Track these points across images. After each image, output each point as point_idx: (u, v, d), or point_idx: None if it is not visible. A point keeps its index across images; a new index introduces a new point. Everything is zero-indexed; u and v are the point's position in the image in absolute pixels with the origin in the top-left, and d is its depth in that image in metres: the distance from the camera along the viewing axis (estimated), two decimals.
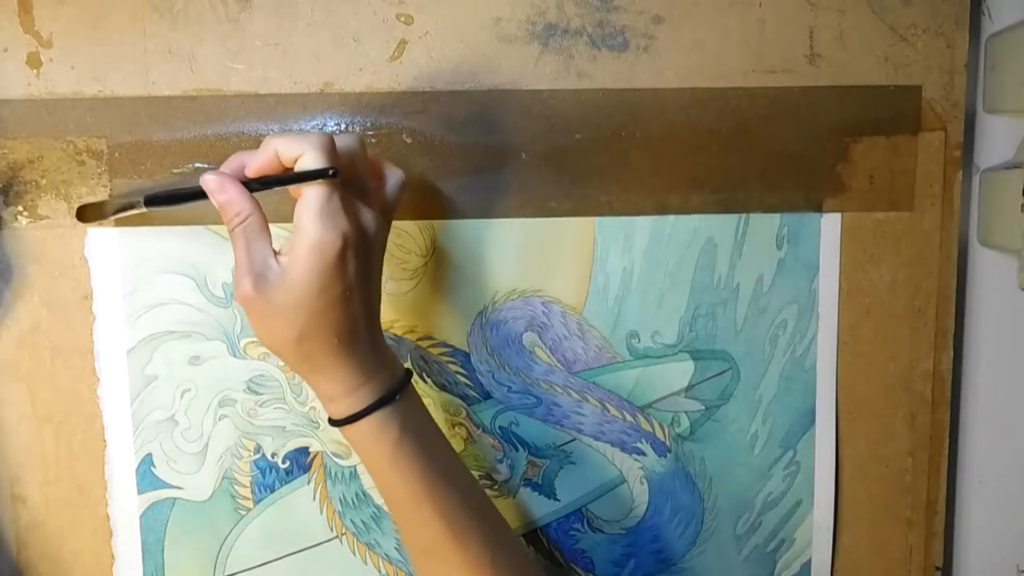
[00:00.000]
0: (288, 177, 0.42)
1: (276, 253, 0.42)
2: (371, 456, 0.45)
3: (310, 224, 0.41)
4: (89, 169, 0.52)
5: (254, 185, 0.43)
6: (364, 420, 0.44)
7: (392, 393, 0.44)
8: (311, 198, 0.41)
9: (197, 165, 0.51)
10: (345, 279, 0.42)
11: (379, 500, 0.55)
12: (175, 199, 0.44)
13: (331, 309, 0.42)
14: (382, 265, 0.46)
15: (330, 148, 0.42)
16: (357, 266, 0.42)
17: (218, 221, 0.51)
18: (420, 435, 0.45)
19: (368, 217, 0.43)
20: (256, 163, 0.43)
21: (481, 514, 0.46)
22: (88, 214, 0.51)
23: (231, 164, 0.44)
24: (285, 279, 0.41)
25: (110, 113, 0.51)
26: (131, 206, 0.45)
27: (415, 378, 0.54)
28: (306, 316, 0.42)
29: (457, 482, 0.46)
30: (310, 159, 0.41)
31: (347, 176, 0.43)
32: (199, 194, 0.43)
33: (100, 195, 0.52)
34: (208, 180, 0.42)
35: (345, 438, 0.45)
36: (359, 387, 0.44)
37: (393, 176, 0.47)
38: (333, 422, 0.45)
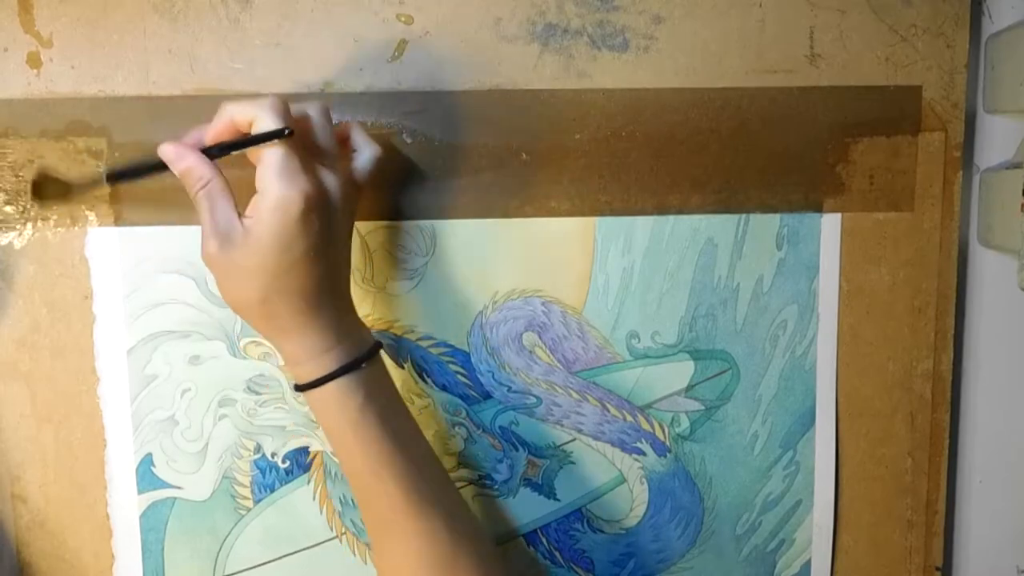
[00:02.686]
0: (244, 141, 0.43)
1: (240, 215, 0.43)
2: (333, 423, 0.45)
3: (270, 183, 0.42)
4: (89, 169, 0.52)
5: (213, 151, 0.44)
6: (327, 385, 0.44)
7: (357, 361, 0.45)
8: (269, 157, 0.42)
9: None
10: (308, 238, 0.42)
11: None
12: (136, 172, 0.45)
13: (294, 269, 0.43)
14: (351, 234, 0.47)
15: (283, 110, 0.42)
16: (320, 227, 0.43)
17: None
18: (384, 405, 0.45)
19: (331, 180, 0.44)
20: (212, 131, 0.44)
21: (440, 488, 0.47)
22: (48, 191, 0.51)
23: (190, 137, 0.45)
24: (248, 239, 0.42)
25: (110, 113, 0.51)
26: (94, 183, 0.47)
27: (410, 375, 0.54)
28: (270, 276, 0.42)
29: (417, 454, 0.46)
30: (264, 122, 0.42)
31: (306, 140, 0.44)
32: (159, 165, 0.44)
33: (100, 195, 0.52)
34: (166, 150, 0.43)
35: (308, 404, 0.46)
36: (324, 352, 0.44)
37: (367, 149, 0.48)
38: (297, 387, 0.45)
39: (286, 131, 0.41)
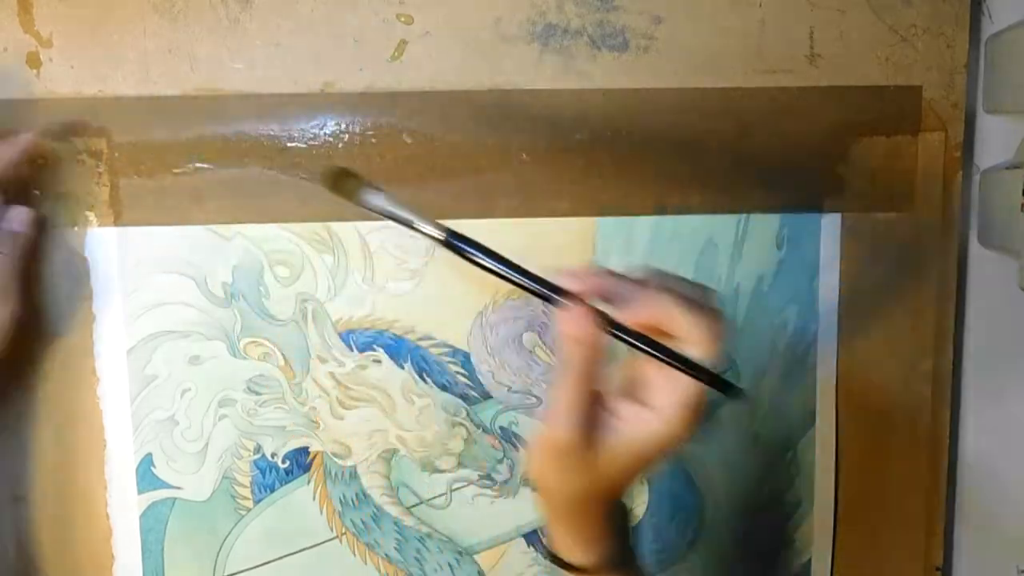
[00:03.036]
0: (673, 358, 0.36)
1: (606, 404, 0.38)
2: None
3: (675, 417, 0.37)
4: (89, 169, 0.52)
5: (617, 331, 0.37)
6: (599, 572, 0.41)
7: (624, 550, 0.42)
8: (689, 393, 0.37)
9: (197, 165, 0.51)
10: (659, 462, 0.38)
11: (379, 500, 0.55)
12: (487, 261, 0.38)
13: (628, 479, 0.39)
14: None
15: (723, 343, 0.36)
16: None
17: (218, 221, 0.52)
18: None
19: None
20: (635, 318, 0.37)
21: None
22: (343, 187, 0.41)
23: (592, 284, 0.37)
24: (612, 445, 0.37)
25: (110, 113, 0.51)
26: (411, 225, 0.38)
27: (410, 375, 0.54)
28: (603, 480, 0.38)
29: None
30: (701, 351, 0.36)
31: None
32: (530, 280, 0.37)
33: (100, 195, 0.52)
34: (571, 310, 0.37)
35: None
36: (598, 540, 0.41)
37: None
38: (564, 565, 0.42)
39: (741, 394, 0.38)
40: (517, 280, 0.37)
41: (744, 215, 0.54)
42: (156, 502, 0.54)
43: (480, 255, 0.38)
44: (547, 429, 0.38)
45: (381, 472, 0.55)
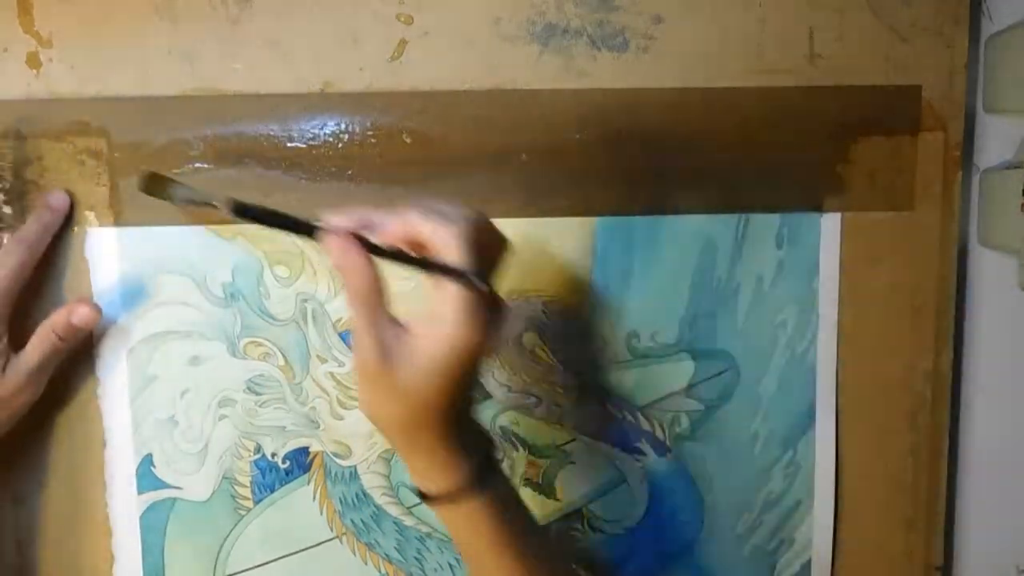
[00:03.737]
0: (427, 265, 0.39)
1: (398, 324, 0.41)
2: (465, 533, 0.44)
3: (454, 323, 0.39)
4: (89, 169, 0.52)
5: (380, 252, 0.40)
6: (460, 498, 0.42)
7: (485, 472, 0.43)
8: (460, 297, 0.39)
9: (197, 165, 0.51)
10: (469, 373, 0.41)
11: (379, 500, 0.55)
12: (267, 219, 0.40)
13: (445, 395, 0.41)
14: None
15: (473, 244, 0.39)
16: (479, 361, 0.41)
17: (218, 221, 0.52)
18: (511, 511, 0.44)
19: (506, 314, 0.42)
20: (387, 233, 0.40)
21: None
22: (152, 185, 0.45)
23: (355, 218, 0.41)
24: (413, 360, 0.40)
25: (110, 113, 0.51)
26: (210, 204, 0.41)
27: None
28: (419, 398, 0.40)
29: (543, 554, 0.46)
30: (451, 253, 0.39)
31: (489, 268, 0.41)
32: (298, 227, 0.40)
33: (100, 195, 0.52)
34: (332, 242, 0.40)
35: (437, 515, 0.44)
36: (452, 467, 0.42)
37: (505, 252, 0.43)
38: (424, 496, 0.44)
39: (486, 289, 0.39)
40: (293, 228, 0.40)
41: (744, 215, 0.54)
42: (156, 502, 0.54)
43: (264, 216, 0.41)
44: (354, 355, 0.41)
45: (381, 472, 0.55)
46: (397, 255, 0.40)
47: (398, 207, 0.40)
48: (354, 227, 0.41)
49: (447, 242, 0.39)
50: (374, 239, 0.40)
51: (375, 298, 0.40)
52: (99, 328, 0.52)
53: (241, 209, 0.40)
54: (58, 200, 0.51)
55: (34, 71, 0.51)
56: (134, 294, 0.53)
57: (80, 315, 0.49)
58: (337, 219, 0.41)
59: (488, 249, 0.41)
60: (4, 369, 0.48)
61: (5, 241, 0.49)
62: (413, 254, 0.40)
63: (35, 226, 0.50)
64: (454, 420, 0.42)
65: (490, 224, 0.41)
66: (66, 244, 0.52)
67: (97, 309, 0.50)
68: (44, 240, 0.50)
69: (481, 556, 0.44)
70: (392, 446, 0.44)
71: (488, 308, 0.40)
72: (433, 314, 0.40)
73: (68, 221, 0.52)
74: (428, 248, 0.40)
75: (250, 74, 0.52)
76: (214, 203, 0.41)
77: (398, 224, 0.40)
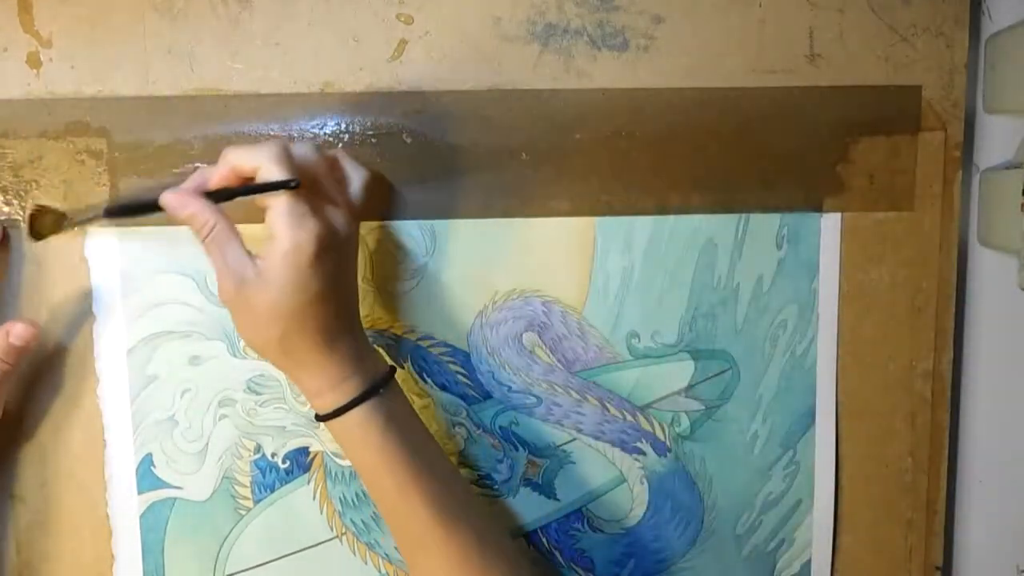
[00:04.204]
0: (250, 188, 0.43)
1: (251, 255, 0.44)
2: (357, 449, 0.46)
3: (282, 230, 0.43)
4: (89, 169, 0.52)
5: (217, 196, 0.44)
6: (349, 413, 0.45)
7: (376, 386, 0.46)
8: (279, 205, 0.43)
9: (197, 165, 0.51)
10: (322, 279, 0.44)
11: None
12: (136, 210, 0.47)
13: (310, 307, 0.44)
14: (356, 262, 0.48)
15: (286, 158, 0.43)
16: (332, 265, 0.44)
17: None
18: (405, 427, 0.46)
19: (337, 217, 0.45)
20: (215, 177, 0.45)
21: (467, 504, 0.48)
22: (43, 227, 0.50)
23: (194, 180, 0.46)
24: (264, 281, 0.43)
25: (110, 113, 0.51)
26: (92, 217, 0.47)
27: (410, 375, 0.54)
28: (287, 315, 0.43)
29: (442, 472, 0.47)
30: (268, 171, 0.43)
31: (308, 181, 0.44)
32: (142, 206, 0.45)
33: (100, 195, 0.52)
34: (168, 198, 0.44)
35: (331, 432, 0.47)
36: (343, 381, 0.45)
37: (356, 176, 0.48)
38: (319, 417, 0.46)
39: (293, 183, 0.42)
40: (138, 209, 0.46)
41: (744, 215, 0.54)
42: (156, 502, 0.54)
43: (124, 210, 0.48)
44: (218, 293, 0.45)
45: None
46: (228, 193, 0.44)
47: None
48: (194, 187, 0.45)
49: (259, 162, 0.43)
50: (209, 189, 0.45)
51: (222, 235, 0.44)
52: (99, 328, 0.52)
53: (111, 210, 0.46)
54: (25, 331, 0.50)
55: (34, 71, 0.51)
56: (134, 294, 0.53)
57: (17, 333, 0.49)
58: (179, 187, 0.45)
59: (320, 168, 0.45)
60: None
61: None
62: (239, 186, 0.44)
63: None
64: (331, 336, 0.45)
65: (320, 156, 0.46)
66: (66, 244, 0.52)
67: (34, 325, 0.49)
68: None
69: (373, 471, 0.46)
70: (283, 372, 0.47)
71: (322, 201, 0.44)
72: (270, 231, 0.43)
73: (69, 220, 0.52)
74: (250, 175, 0.44)
75: (250, 74, 0.52)
76: (91, 215, 0.47)
77: (221, 166, 0.44)
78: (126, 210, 0.47)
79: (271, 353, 0.45)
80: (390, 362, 0.49)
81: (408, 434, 0.46)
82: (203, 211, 0.44)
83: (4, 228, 0.51)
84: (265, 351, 0.45)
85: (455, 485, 0.48)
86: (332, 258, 0.44)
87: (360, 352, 0.46)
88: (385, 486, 0.46)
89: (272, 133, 0.52)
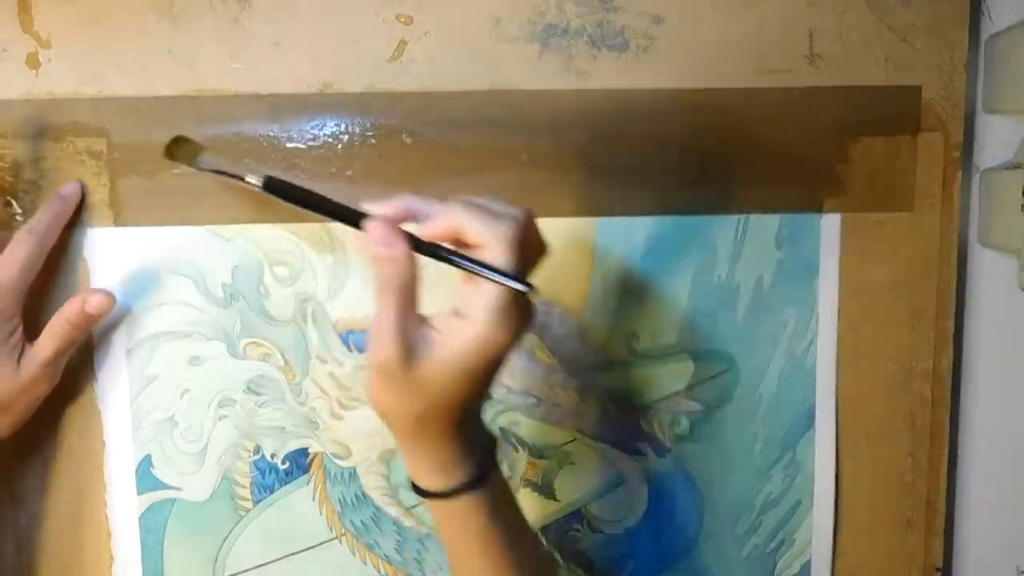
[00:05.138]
0: (470, 264, 0.38)
1: (427, 323, 0.40)
2: (456, 531, 0.43)
3: (482, 323, 0.38)
4: (89, 169, 0.52)
5: (420, 246, 0.39)
6: (458, 498, 0.42)
7: (486, 473, 0.42)
8: (490, 296, 0.38)
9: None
10: (489, 372, 0.40)
11: (379, 501, 0.55)
12: (300, 199, 0.40)
13: (463, 394, 0.40)
14: None
15: (519, 245, 0.38)
16: (503, 362, 0.40)
17: (218, 221, 0.52)
18: (506, 515, 0.44)
19: (534, 313, 0.41)
20: (432, 229, 0.39)
21: None
22: (178, 153, 0.46)
23: (397, 207, 0.40)
24: (434, 357, 0.39)
25: (110, 113, 0.51)
26: (241, 177, 0.42)
27: None
28: (437, 396, 0.39)
29: (536, 564, 0.45)
30: (494, 253, 0.38)
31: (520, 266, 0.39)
32: (337, 212, 0.40)
33: (100, 195, 0.52)
34: (376, 230, 0.39)
35: (430, 510, 0.44)
36: (458, 464, 0.42)
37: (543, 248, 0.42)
38: (423, 492, 0.43)
39: (529, 290, 0.38)
40: (329, 211, 0.40)
41: (744, 215, 0.54)
42: (156, 503, 0.54)
43: (297, 196, 0.41)
44: (372, 351, 0.39)
45: (381, 473, 0.55)
46: (438, 251, 0.39)
47: (443, 198, 0.40)
48: (397, 216, 0.40)
49: (492, 243, 0.38)
50: (416, 230, 0.39)
51: (408, 294, 0.39)
52: (99, 328, 0.52)
53: (274, 185, 0.39)
54: (69, 190, 0.51)
55: (33, 71, 0.51)
56: (134, 294, 0.53)
57: (94, 303, 0.49)
58: (381, 207, 0.40)
59: (530, 249, 0.40)
60: (19, 360, 0.48)
61: (16, 234, 0.48)
62: (455, 250, 0.39)
63: (46, 216, 0.50)
64: (463, 418, 0.41)
65: (535, 224, 0.40)
66: (66, 244, 0.52)
67: (111, 296, 0.49)
68: (55, 230, 0.50)
69: (466, 554, 0.43)
70: (397, 441, 0.43)
71: (520, 309, 0.39)
72: (465, 312, 0.39)
73: (71, 219, 0.52)
74: (471, 245, 0.39)
75: (250, 74, 0.52)
76: (244, 176, 0.40)
77: (443, 219, 0.39)
78: (290, 193, 0.41)
79: (400, 424, 0.41)
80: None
81: (508, 522, 0.43)
82: (405, 262, 0.39)
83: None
84: (394, 420, 0.41)
85: (545, 571, 0.46)
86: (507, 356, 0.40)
87: (479, 434, 0.43)
88: (475, 567, 0.43)
89: (272, 133, 0.52)
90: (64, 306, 0.49)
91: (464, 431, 0.41)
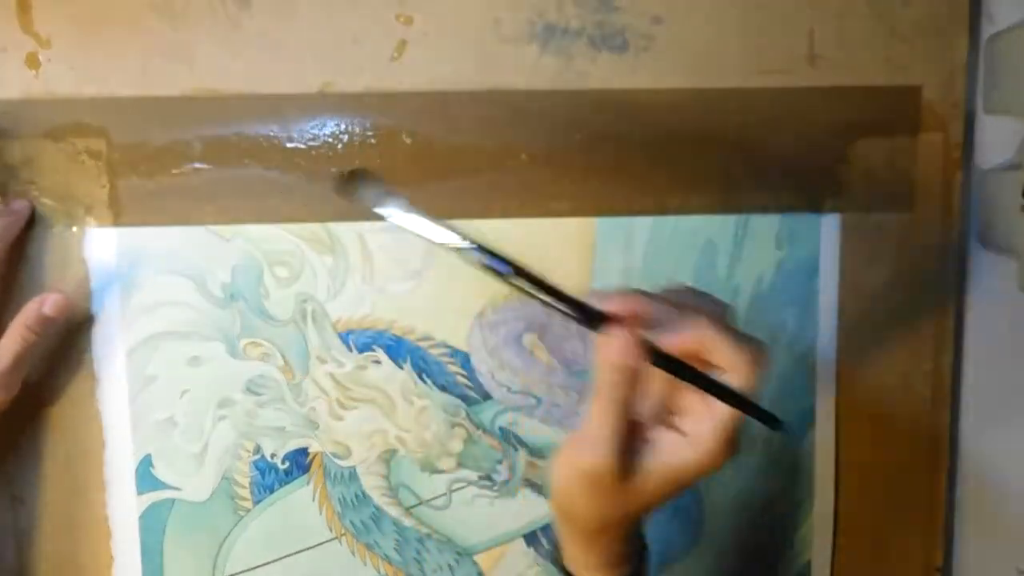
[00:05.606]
0: (720, 390, 0.36)
1: (638, 429, 0.38)
2: None
3: (713, 447, 0.36)
4: (89, 169, 0.51)
5: (660, 360, 0.36)
6: None
7: (640, 573, 0.42)
8: (723, 422, 0.36)
9: (197, 166, 0.51)
10: (686, 488, 0.38)
11: (379, 501, 0.55)
12: (545, 289, 0.36)
13: (657, 505, 0.38)
14: None
15: (762, 373, 0.36)
16: None
17: (217, 221, 0.52)
18: None
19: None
20: (678, 345, 0.36)
21: None
22: (355, 192, 0.37)
23: (630, 308, 0.36)
24: (649, 471, 0.37)
25: (109, 113, 0.51)
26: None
27: (409, 376, 0.54)
28: (635, 505, 0.38)
29: None
30: (744, 381, 0.36)
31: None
32: (575, 307, 0.36)
33: (100, 195, 0.52)
34: (617, 339, 0.36)
35: None
36: (618, 565, 0.41)
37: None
38: None
39: (780, 426, 0.37)
40: (567, 305, 0.36)
41: (744, 215, 0.54)
42: (155, 503, 0.54)
43: (543, 286, 0.37)
44: (580, 455, 0.37)
45: (381, 473, 0.55)
46: (682, 369, 0.36)
47: (682, 305, 0.37)
48: (632, 318, 0.36)
49: (743, 369, 0.36)
50: (655, 339, 0.36)
51: (632, 405, 0.37)
52: (99, 328, 0.52)
53: (523, 273, 0.36)
54: (19, 205, 0.51)
55: (33, 71, 0.51)
56: (133, 294, 0.53)
57: (51, 304, 0.49)
58: (615, 302, 0.36)
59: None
60: None
61: None
62: (704, 374, 0.36)
63: None
64: (636, 524, 0.40)
65: (766, 351, 0.38)
66: (65, 244, 0.52)
67: (68, 298, 0.49)
68: (4, 240, 0.50)
69: None
70: (567, 536, 0.41)
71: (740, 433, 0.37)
72: (690, 431, 0.37)
73: (69, 220, 0.52)
74: (715, 365, 0.36)
75: (250, 74, 0.52)
76: (461, 243, 0.37)
77: (688, 335, 0.36)
78: (538, 285, 0.36)
79: (585, 524, 0.39)
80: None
81: None
82: (638, 375, 0.36)
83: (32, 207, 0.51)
84: (579, 520, 0.39)
85: None
86: None
87: (638, 537, 0.42)
88: None
89: (271, 134, 0.52)
90: (21, 311, 0.49)
91: (632, 530, 0.41)
